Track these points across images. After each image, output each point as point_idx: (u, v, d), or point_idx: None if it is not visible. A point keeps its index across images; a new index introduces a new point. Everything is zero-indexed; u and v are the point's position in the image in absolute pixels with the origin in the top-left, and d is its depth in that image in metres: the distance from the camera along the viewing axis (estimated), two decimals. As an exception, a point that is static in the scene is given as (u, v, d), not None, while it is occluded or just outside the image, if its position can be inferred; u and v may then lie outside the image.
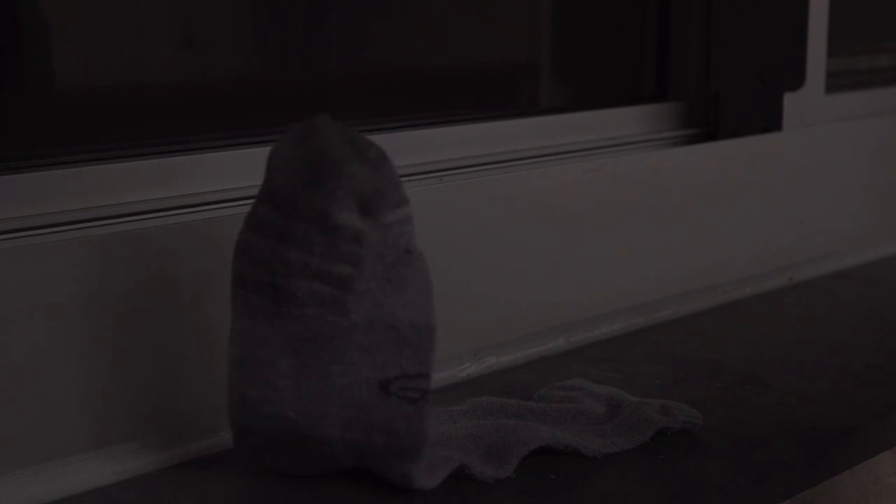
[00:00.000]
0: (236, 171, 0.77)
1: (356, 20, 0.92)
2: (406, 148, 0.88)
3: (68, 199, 0.70)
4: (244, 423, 0.63)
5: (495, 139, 0.95)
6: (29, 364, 0.62)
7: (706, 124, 1.11)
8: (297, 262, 0.61)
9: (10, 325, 0.61)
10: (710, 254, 1.01)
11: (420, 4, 0.99)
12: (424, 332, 0.63)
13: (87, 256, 0.64)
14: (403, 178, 0.84)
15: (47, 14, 0.75)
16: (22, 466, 0.62)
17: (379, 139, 0.64)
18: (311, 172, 0.61)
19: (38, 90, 0.76)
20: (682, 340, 0.91)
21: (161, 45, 0.83)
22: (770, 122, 1.07)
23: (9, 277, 0.61)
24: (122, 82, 0.80)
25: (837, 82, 1.17)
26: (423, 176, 0.87)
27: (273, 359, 0.62)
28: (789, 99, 1.07)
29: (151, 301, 0.67)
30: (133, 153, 0.75)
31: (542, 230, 0.86)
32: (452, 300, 0.80)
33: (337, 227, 0.61)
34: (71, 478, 0.63)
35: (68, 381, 0.64)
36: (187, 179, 0.76)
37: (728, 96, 1.09)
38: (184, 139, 0.79)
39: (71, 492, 0.63)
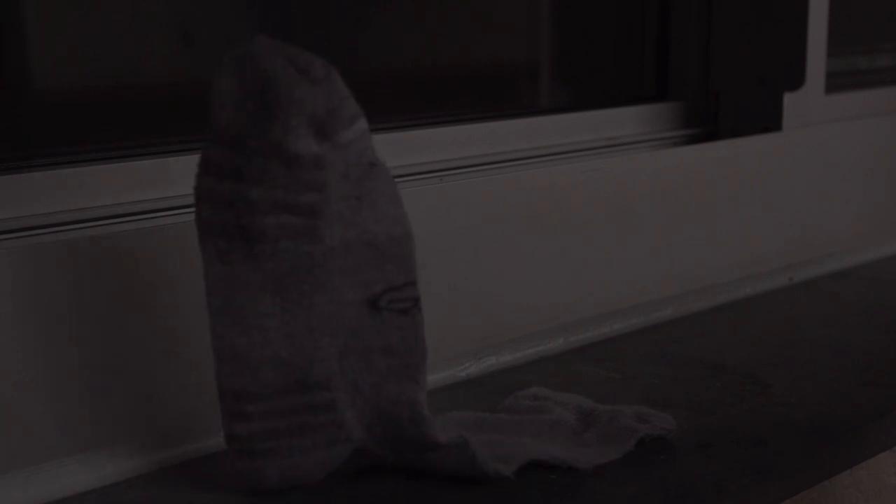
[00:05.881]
0: (236, 171, 0.76)
1: (356, 20, 0.92)
2: (406, 148, 0.88)
3: (67, 199, 0.70)
4: (239, 384, 0.60)
5: (495, 139, 0.95)
6: (26, 364, 0.62)
7: (706, 124, 1.11)
8: (261, 199, 0.58)
9: (8, 325, 0.61)
10: (710, 254, 1.01)
11: (420, 4, 0.99)
12: (403, 241, 0.61)
13: (85, 256, 0.64)
14: (403, 179, 0.85)
15: (46, 13, 0.75)
16: (21, 466, 0.62)
17: (379, 139, 0.64)
18: (258, 104, 0.58)
19: (36, 90, 0.76)
20: (682, 340, 0.91)
21: (160, 45, 0.83)
22: (770, 122, 1.07)
23: (7, 277, 0.61)
24: (121, 82, 0.80)
25: (837, 82, 1.17)
26: (423, 176, 0.87)
27: (255, 300, 0.59)
28: (789, 99, 1.07)
29: (151, 301, 0.66)
30: (133, 153, 0.75)
31: (541, 230, 0.86)
32: (452, 300, 0.80)
33: (296, 156, 0.58)
34: (71, 478, 0.63)
35: (67, 381, 0.64)
36: (187, 179, 0.76)
37: (728, 96, 1.09)
38: (184, 139, 0.79)
39: (71, 492, 0.63)
